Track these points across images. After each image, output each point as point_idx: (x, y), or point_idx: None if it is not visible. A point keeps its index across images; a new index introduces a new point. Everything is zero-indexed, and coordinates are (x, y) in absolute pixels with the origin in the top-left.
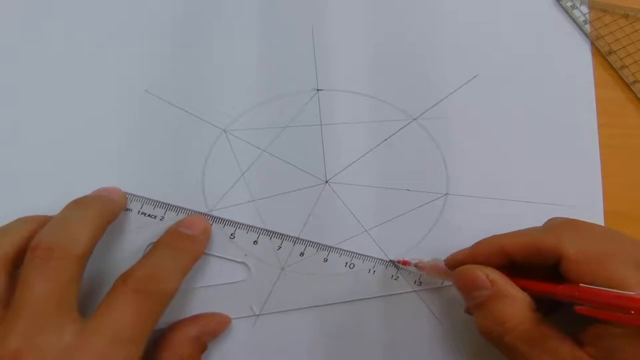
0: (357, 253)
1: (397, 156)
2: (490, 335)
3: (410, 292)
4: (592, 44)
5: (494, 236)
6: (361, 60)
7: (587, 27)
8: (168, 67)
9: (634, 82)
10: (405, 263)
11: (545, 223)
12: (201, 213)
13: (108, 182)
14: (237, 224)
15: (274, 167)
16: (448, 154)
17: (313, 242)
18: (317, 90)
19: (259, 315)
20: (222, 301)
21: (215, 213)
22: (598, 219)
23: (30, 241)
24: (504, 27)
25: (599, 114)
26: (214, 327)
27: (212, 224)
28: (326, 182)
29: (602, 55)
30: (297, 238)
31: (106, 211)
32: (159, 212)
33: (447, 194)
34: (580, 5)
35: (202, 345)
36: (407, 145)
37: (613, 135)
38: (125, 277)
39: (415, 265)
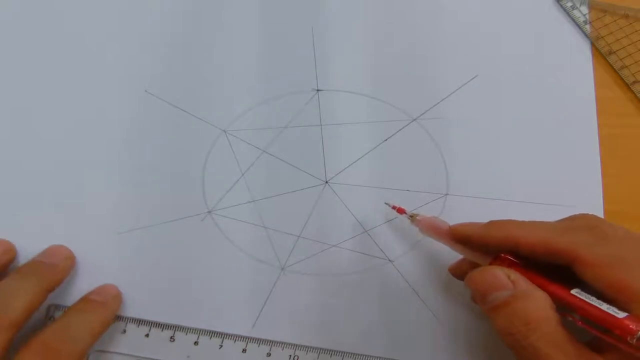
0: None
1: (397, 156)
2: (512, 337)
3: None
4: (592, 44)
5: (508, 223)
6: (361, 60)
7: (587, 28)
8: (168, 67)
9: (634, 82)
10: (400, 211)
11: (564, 220)
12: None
13: (108, 183)
14: (176, 327)
15: (274, 167)
16: (448, 154)
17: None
18: (317, 90)
19: (259, 314)
20: None
21: (215, 213)
22: None
23: None
24: (504, 27)
25: (599, 114)
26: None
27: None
28: (326, 182)
29: (602, 56)
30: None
31: (47, 281)
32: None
33: (447, 194)
34: (580, 5)
35: None
36: (407, 145)
37: (613, 135)
38: (30, 341)
39: (410, 217)
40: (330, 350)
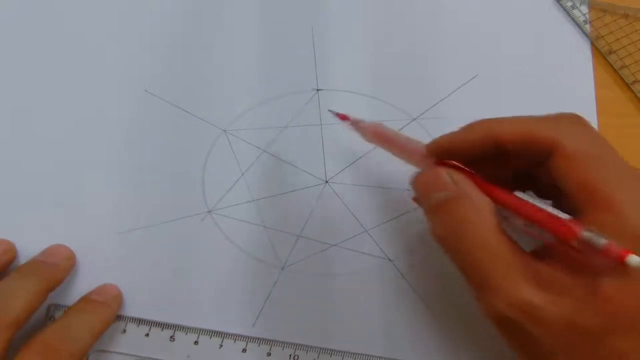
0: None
1: None
2: (444, 240)
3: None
4: (592, 44)
5: (486, 121)
6: (361, 60)
7: (587, 27)
8: (168, 67)
9: (634, 82)
10: (343, 117)
11: (552, 113)
12: None
13: (108, 183)
14: (176, 326)
15: (274, 167)
16: None
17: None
18: (317, 90)
19: (259, 314)
20: None
21: (215, 213)
22: None
23: None
24: (503, 27)
25: (599, 114)
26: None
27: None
28: (326, 182)
29: (602, 55)
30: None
31: (47, 280)
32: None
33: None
34: (580, 5)
35: None
36: None
37: (613, 135)
38: (30, 341)
39: (354, 124)
40: (330, 350)
